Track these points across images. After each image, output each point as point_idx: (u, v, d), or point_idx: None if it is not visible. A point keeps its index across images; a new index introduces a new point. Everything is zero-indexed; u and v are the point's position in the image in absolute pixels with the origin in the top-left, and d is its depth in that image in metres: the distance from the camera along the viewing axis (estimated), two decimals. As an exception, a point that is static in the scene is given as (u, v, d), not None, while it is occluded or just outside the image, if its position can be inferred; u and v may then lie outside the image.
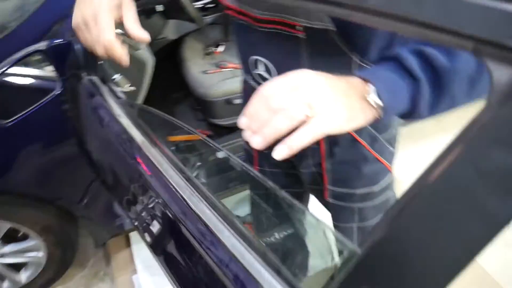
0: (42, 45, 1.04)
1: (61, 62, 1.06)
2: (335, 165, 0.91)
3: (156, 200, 0.80)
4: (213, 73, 1.89)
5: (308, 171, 0.97)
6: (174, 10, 1.68)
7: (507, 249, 1.82)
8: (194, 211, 0.70)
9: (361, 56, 0.75)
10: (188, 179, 0.75)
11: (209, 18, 2.04)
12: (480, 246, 0.34)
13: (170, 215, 0.75)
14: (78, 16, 0.74)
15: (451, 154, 0.35)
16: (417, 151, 2.35)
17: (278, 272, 0.58)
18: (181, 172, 0.77)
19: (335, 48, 0.73)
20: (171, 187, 0.76)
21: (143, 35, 0.76)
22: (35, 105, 1.05)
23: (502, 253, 1.81)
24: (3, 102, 1.05)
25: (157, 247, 0.85)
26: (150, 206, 0.84)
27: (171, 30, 2.07)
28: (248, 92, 1.03)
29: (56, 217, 1.54)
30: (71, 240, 1.68)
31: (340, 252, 0.56)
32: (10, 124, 1.04)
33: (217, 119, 1.89)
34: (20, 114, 1.04)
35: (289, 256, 0.95)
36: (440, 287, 0.38)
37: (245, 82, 0.99)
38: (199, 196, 0.71)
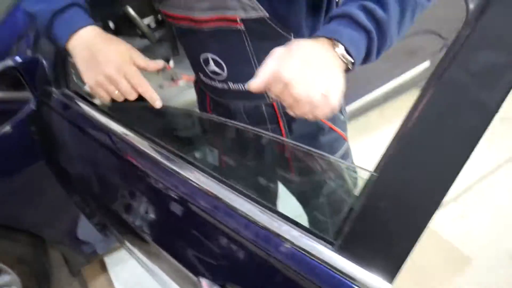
0: (9, 62, 1.03)
1: (32, 78, 1.07)
2: (295, 140, 1.00)
3: (160, 190, 0.83)
4: (169, 87, 1.93)
5: None
6: (125, 27, 1.71)
7: (463, 219, 1.98)
8: (204, 190, 0.74)
9: (296, 36, 0.84)
10: (189, 162, 0.79)
11: (156, 35, 2.08)
12: (479, 134, 0.42)
13: (178, 198, 0.78)
14: (97, 75, 0.77)
15: (446, 64, 0.43)
16: (365, 144, 2.50)
17: (296, 224, 0.64)
18: (181, 157, 0.81)
19: (273, 33, 0.82)
20: (174, 174, 0.80)
21: (159, 63, 0.83)
22: (12, 119, 1.04)
23: (459, 223, 1.96)
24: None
25: (164, 239, 0.87)
26: (153, 199, 0.87)
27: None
28: (201, 92, 1.08)
29: (29, 246, 1.49)
30: (45, 271, 1.62)
31: (355, 179, 0.63)
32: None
33: (180, 131, 1.93)
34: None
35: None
36: (449, 183, 0.46)
37: (199, 82, 1.05)
38: (205, 175, 0.76)
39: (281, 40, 0.81)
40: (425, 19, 0.85)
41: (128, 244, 1.39)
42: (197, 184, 0.76)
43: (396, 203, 0.51)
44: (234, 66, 0.88)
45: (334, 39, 0.63)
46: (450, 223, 1.94)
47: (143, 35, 1.72)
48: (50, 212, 1.45)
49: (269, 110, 0.96)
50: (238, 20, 0.79)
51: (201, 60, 0.92)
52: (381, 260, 0.54)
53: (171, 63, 2.07)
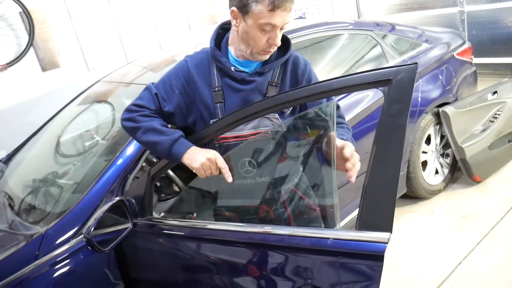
0: (117, 198, 1.59)
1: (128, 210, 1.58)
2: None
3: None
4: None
5: None
6: (165, 187, 2.26)
7: None
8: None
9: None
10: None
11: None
12: (402, 140, 0.99)
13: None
14: (202, 160, 1.36)
15: (384, 113, 1.02)
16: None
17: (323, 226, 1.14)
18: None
19: (283, 138, 1.44)
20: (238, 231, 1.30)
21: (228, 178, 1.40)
22: (121, 236, 1.51)
23: None
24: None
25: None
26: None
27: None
28: None
29: None
30: None
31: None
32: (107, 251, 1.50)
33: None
34: (115, 243, 1.49)
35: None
36: (397, 168, 1.00)
37: None
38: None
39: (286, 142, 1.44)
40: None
41: None
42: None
43: (375, 190, 1.03)
44: (261, 163, 1.44)
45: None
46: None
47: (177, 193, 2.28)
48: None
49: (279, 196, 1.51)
50: (269, 132, 1.40)
51: (241, 164, 1.45)
52: (380, 222, 1.03)
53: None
